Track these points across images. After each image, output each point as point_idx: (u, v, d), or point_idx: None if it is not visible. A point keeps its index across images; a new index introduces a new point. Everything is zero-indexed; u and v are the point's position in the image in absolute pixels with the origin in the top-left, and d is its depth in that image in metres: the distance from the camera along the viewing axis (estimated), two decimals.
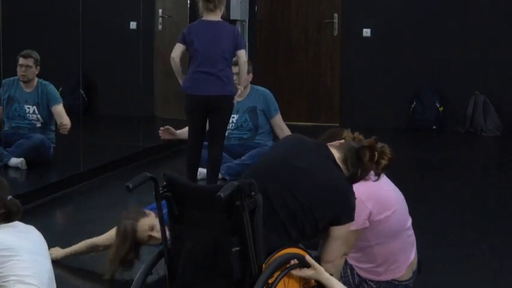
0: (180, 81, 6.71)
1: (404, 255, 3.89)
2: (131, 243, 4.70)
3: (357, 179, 3.52)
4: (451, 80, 10.70)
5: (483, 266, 5.23)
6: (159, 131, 7.15)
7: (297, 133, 3.72)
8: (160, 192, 3.32)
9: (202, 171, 6.98)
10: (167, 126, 7.10)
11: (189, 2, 10.07)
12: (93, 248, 5.13)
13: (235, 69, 6.86)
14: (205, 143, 7.26)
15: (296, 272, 3.28)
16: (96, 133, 9.93)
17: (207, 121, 6.72)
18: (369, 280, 3.93)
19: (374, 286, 3.92)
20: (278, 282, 3.18)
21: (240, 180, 3.13)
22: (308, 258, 3.29)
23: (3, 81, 7.79)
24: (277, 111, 7.15)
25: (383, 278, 3.90)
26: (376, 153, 3.50)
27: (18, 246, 3.57)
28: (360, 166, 3.49)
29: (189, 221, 3.32)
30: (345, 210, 3.41)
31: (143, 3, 9.41)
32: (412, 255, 3.92)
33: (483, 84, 10.55)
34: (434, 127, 10.46)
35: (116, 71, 10.33)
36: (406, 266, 3.89)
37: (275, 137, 7.25)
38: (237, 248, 3.15)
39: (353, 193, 3.44)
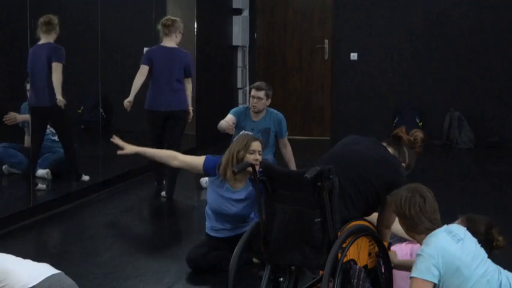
0: (130, 97, 7.39)
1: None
2: (240, 157, 5.00)
3: (410, 158, 4.17)
4: (429, 98, 10.96)
5: None
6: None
7: (352, 134, 4.32)
8: (258, 176, 3.78)
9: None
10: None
11: (196, 30, 10.48)
12: (169, 159, 5.22)
13: (258, 93, 7.11)
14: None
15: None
16: (113, 146, 9.57)
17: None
18: None
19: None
20: (350, 246, 3.65)
21: (322, 166, 3.56)
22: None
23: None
24: (287, 133, 7.44)
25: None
26: (408, 134, 4.20)
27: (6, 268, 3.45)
28: (402, 146, 4.15)
29: (280, 199, 3.74)
30: (398, 177, 3.90)
31: (155, 30, 9.49)
32: None
33: (457, 102, 10.84)
34: None
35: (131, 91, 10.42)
36: None
37: (276, 151, 7.51)
38: (318, 219, 3.59)
39: (402, 167, 4.05)
